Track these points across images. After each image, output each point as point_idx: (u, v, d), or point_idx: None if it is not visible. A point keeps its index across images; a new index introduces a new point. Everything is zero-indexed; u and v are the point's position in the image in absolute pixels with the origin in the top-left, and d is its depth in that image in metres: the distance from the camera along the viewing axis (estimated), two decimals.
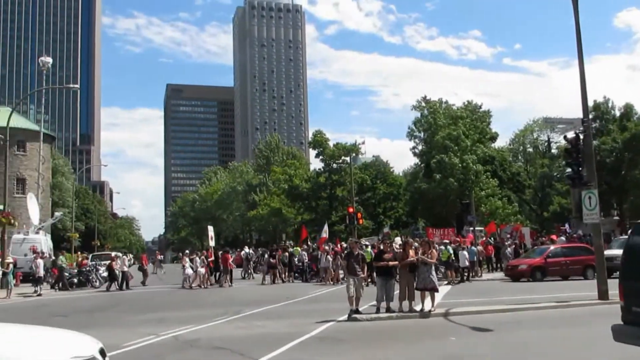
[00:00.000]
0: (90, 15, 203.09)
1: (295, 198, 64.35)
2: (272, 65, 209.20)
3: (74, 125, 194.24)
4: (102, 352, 5.03)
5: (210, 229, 32.99)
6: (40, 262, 25.54)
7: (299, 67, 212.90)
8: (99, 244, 76.15)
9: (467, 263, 25.60)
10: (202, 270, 26.82)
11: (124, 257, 31.06)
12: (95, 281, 27.96)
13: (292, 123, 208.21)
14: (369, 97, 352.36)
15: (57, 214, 45.95)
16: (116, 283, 26.53)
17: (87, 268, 29.25)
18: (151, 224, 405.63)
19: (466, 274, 25.87)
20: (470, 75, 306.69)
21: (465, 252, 25.73)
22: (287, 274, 29.50)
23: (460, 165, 47.24)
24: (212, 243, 30.81)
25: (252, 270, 33.74)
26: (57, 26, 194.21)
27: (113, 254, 31.17)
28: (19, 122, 52.68)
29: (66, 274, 28.49)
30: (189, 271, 26.73)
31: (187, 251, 39.28)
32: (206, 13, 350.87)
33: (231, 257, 27.42)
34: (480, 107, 55.10)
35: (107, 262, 34.99)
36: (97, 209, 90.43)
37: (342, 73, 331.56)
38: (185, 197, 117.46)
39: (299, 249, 32.15)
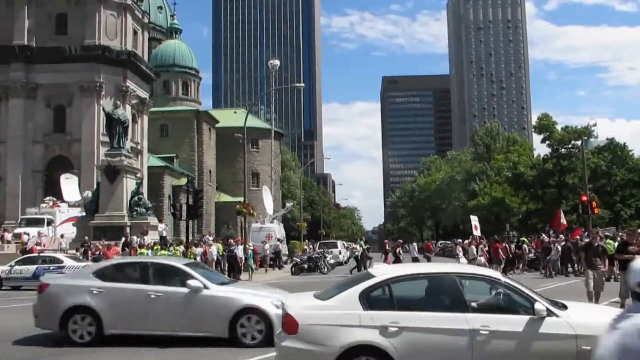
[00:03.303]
0: (309, 18, 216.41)
1: (519, 186, 60.82)
2: (490, 49, 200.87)
3: (299, 122, 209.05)
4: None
5: (474, 218, 32.76)
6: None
7: (519, 48, 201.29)
8: (324, 233, 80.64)
9: None
10: (482, 259, 25.74)
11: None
12: (324, 267, 29.29)
13: (512, 107, 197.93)
14: (597, 75, 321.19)
15: (287, 204, 49.46)
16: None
17: (316, 255, 30.81)
18: (371, 213, 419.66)
19: None
20: None
21: None
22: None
23: None
24: (477, 233, 30.46)
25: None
26: (281, 31, 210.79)
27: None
28: (252, 122, 57.87)
29: (297, 260, 30.42)
30: (464, 260, 25.74)
31: (458, 240, 38.85)
32: (417, 3, 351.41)
33: (501, 246, 26.01)
34: None
35: (332, 250, 36.81)
36: (321, 200, 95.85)
37: (566, 50, 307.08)
38: (403, 187, 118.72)
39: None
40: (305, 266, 29.04)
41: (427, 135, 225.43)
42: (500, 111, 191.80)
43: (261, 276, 27.07)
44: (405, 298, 6.34)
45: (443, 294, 6.32)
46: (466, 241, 33.52)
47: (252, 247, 27.75)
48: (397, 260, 27.63)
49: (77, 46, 47.58)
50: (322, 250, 35.50)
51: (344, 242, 54.96)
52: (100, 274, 10.20)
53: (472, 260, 25.27)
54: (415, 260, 27.48)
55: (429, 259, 30.64)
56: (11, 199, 46.17)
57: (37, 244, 28.12)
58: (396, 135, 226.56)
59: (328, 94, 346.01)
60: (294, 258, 32.70)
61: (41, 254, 23.87)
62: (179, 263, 10.92)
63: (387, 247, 29.00)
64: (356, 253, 29.82)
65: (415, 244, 30.02)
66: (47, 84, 47.69)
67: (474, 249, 25.86)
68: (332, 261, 32.59)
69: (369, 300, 6.05)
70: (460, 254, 25.95)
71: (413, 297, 6.45)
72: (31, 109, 47.68)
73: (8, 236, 33.56)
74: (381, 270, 6.66)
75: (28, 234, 31.55)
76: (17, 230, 33.49)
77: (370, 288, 6.16)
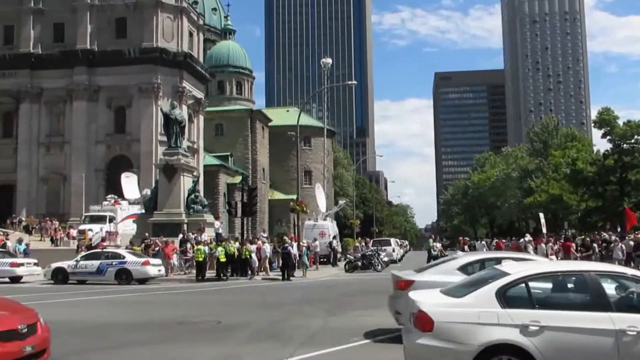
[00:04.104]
0: (361, 16, 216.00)
1: (578, 183, 58.92)
2: (546, 42, 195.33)
3: (351, 119, 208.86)
4: None
5: (542, 215, 32.44)
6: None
7: (577, 41, 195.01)
8: (376, 230, 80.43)
9: None
10: (554, 257, 25.28)
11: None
12: (377, 265, 29.29)
13: (570, 102, 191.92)
14: None
15: (340, 202, 49.66)
16: None
17: (370, 252, 30.85)
18: (424, 211, 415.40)
19: None
20: None
21: None
22: None
23: None
24: (544, 230, 30.05)
25: None
26: (332, 30, 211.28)
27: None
28: (304, 120, 58.30)
29: (350, 257, 30.55)
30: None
31: (529, 238, 37.84)
32: None
33: (573, 244, 25.46)
34: None
35: (385, 248, 36.71)
36: (374, 197, 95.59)
37: (627, 42, 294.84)
38: (457, 184, 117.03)
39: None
40: (359, 264, 29.11)
41: (481, 131, 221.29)
42: (557, 106, 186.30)
43: (314, 274, 27.34)
44: (543, 296, 6.19)
45: (584, 293, 6.12)
46: (522, 240, 32.81)
47: (305, 244, 28.04)
48: (429, 257, 27.37)
49: (136, 49, 49.20)
50: (375, 247, 35.48)
51: (397, 240, 54.71)
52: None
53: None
54: None
55: None
56: (75, 197, 48.21)
57: (103, 239, 29.15)
58: (449, 131, 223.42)
59: (379, 91, 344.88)
60: (348, 255, 32.82)
61: (104, 250, 24.82)
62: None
63: (464, 245, 28.57)
64: (435, 252, 29.15)
65: (484, 241, 29.18)
66: (108, 86, 49.53)
67: (544, 247, 25.35)
68: (385, 259, 32.54)
69: (506, 298, 5.93)
70: (532, 252, 25.28)
71: (552, 296, 6.28)
72: (94, 110, 49.61)
73: (73, 232, 35.07)
74: (516, 268, 6.54)
75: (92, 231, 32.92)
76: (82, 227, 34.97)
77: (507, 286, 6.03)
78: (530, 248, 25.49)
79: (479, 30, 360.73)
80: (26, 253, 26.85)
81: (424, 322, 5.96)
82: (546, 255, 24.55)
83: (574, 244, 25.06)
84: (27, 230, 40.30)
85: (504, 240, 36.03)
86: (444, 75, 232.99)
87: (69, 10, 50.04)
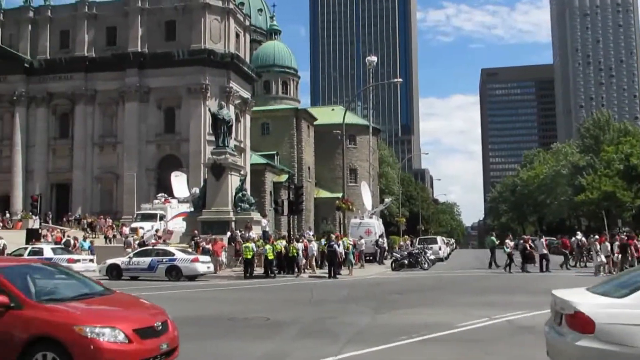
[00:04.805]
0: (405, 13, 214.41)
1: (632, 179, 57.32)
2: (597, 35, 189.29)
3: (396, 117, 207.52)
4: None
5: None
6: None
7: (630, 33, 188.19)
8: (422, 228, 79.84)
9: None
10: (619, 256, 24.77)
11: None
12: (424, 263, 29.18)
13: (623, 96, 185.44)
14: None
15: (386, 200, 49.59)
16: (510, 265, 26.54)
17: (417, 251, 30.74)
18: (471, 209, 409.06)
19: None
20: None
21: None
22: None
23: None
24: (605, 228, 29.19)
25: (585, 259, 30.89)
26: (377, 28, 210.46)
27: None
28: (349, 118, 58.36)
29: (397, 255, 30.51)
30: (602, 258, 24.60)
31: (596, 236, 36.45)
32: None
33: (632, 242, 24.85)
34: None
35: (432, 246, 36.44)
36: (419, 195, 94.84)
37: None
38: (504, 181, 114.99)
39: None
40: (406, 262, 29.01)
41: (530, 127, 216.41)
42: (609, 100, 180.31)
43: (360, 272, 27.45)
44: None
45: None
46: (573, 238, 32.08)
47: (351, 242, 28.17)
48: (526, 257, 26.81)
49: (185, 51, 50.30)
50: (422, 245, 35.28)
51: (444, 238, 54.23)
52: None
53: (607, 257, 24.31)
54: (543, 257, 26.13)
55: (566, 257, 28.75)
56: (128, 196, 49.67)
57: (159, 237, 29.89)
58: (496, 128, 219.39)
59: (424, 88, 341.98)
60: (394, 254, 32.77)
61: (155, 247, 25.54)
62: None
63: (530, 243, 27.97)
64: (508, 250, 28.07)
65: (542, 240, 28.11)
66: (158, 87, 50.81)
67: (608, 246, 24.75)
68: (432, 257, 32.35)
69: None
70: (599, 250, 24.66)
71: None
72: (144, 111, 50.97)
73: (126, 230, 36.20)
74: None
75: (143, 228, 33.90)
76: (134, 225, 36.06)
77: None
78: (599, 246, 24.85)
79: (526, 24, 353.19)
80: (91, 250, 28.02)
81: (583, 324, 5.63)
82: (609, 254, 24.06)
83: (637, 242, 24.42)
84: (83, 227, 41.83)
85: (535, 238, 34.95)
86: (490, 71, 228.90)
87: (121, 14, 51.59)
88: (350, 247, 27.06)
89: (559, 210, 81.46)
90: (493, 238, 32.73)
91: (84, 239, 29.63)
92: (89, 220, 42.91)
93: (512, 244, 30.30)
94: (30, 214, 35.44)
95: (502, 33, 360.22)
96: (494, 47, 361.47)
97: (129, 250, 28.40)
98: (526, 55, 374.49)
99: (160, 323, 6.78)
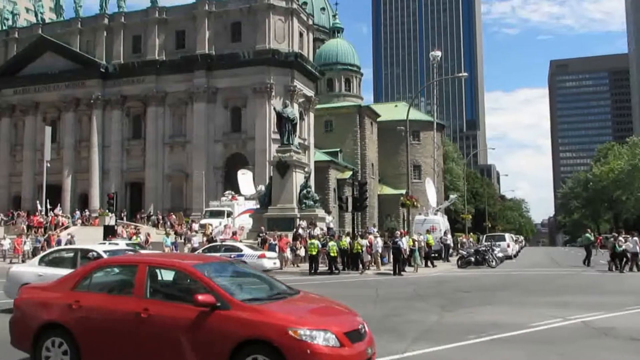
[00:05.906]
0: (469, 6, 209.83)
1: None
2: None
3: (460, 112, 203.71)
4: None
5: None
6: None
7: None
8: (489, 225, 78.13)
9: None
10: None
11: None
12: (492, 261, 28.61)
13: None
14: None
15: (451, 196, 48.79)
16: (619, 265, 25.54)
17: (484, 248, 30.19)
18: (540, 205, 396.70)
19: None
20: None
21: None
22: None
23: None
24: None
25: None
26: (440, 22, 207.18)
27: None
28: (413, 114, 57.83)
29: (463, 253, 30.05)
30: None
31: None
32: None
33: None
34: None
35: (500, 244, 35.58)
36: (486, 191, 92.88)
37: None
38: (576, 177, 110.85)
39: None
40: (472, 259, 28.53)
41: (603, 120, 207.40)
42: None
43: (426, 269, 27.22)
44: None
45: None
46: None
47: (417, 239, 27.93)
48: (615, 254, 25.51)
49: (250, 51, 51.29)
50: (489, 243, 34.58)
51: (512, 235, 52.90)
52: None
53: None
54: (635, 256, 24.67)
55: None
56: (196, 193, 51.18)
57: (234, 233, 30.57)
58: (567, 121, 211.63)
59: (490, 82, 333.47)
60: (460, 251, 32.28)
61: (223, 243, 26.15)
62: None
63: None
64: (621, 247, 24.89)
65: (636, 237, 26.10)
66: (224, 87, 52.05)
67: None
68: (500, 255, 31.67)
69: None
70: None
71: None
72: (212, 111, 52.32)
73: (195, 226, 37.34)
74: None
75: (211, 225, 34.85)
76: (203, 221, 37.13)
77: None
78: None
79: (597, 13, 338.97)
80: (175, 246, 29.07)
81: None
82: None
83: None
84: (154, 223, 43.43)
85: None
86: (560, 63, 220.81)
87: (190, 18, 53.19)
88: (416, 244, 26.86)
89: (636, 207, 77.82)
90: (589, 235, 31.45)
91: (167, 234, 30.77)
92: (159, 217, 44.53)
93: (629, 241, 25.95)
94: (107, 211, 37.08)
95: (572, 23, 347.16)
96: (563, 37, 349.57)
97: (189, 246, 29.34)
98: (598, 45, 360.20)
99: (362, 326, 6.44)
